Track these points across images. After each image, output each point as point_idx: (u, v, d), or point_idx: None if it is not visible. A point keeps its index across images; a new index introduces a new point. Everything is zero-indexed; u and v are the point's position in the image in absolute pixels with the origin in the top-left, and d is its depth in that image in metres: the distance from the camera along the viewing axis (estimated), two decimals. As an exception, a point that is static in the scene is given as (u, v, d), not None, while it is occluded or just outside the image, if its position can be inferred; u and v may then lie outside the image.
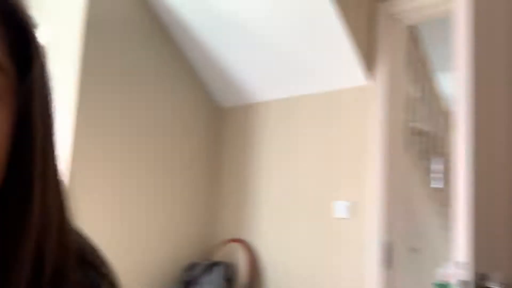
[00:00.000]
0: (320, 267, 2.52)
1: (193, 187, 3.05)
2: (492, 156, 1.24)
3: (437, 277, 1.77)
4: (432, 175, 3.58)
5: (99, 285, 0.48)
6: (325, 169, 2.59)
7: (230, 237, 2.98)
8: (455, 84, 1.36)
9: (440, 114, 3.81)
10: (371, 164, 2.41)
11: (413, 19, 2.64)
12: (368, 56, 2.47)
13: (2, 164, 0.38)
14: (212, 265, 2.83)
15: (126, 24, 2.69)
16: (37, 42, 0.42)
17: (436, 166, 3.63)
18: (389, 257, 2.34)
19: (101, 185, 2.57)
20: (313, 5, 2.30)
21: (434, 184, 3.55)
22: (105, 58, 2.59)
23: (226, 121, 3.19)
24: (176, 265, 2.89)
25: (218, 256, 2.96)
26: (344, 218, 2.46)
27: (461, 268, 1.16)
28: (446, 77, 3.70)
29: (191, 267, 2.86)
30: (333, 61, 2.49)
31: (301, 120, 2.76)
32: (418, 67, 3.51)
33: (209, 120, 3.15)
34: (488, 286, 1.11)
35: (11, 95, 0.39)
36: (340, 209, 2.48)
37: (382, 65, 2.46)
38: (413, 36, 3.35)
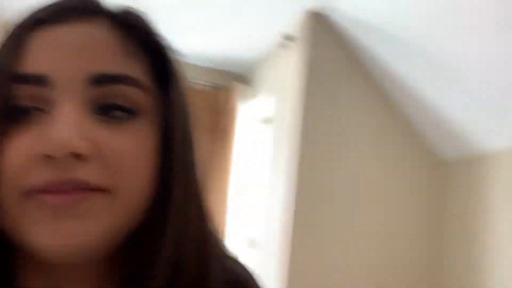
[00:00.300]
0: None
1: (413, 248, 2.83)
2: None
3: None
4: None
5: None
6: None
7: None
8: None
9: None
10: None
11: None
12: None
13: (152, 180, 0.40)
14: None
15: (340, 82, 2.76)
16: (172, 62, 0.45)
17: None
18: None
19: (322, 232, 2.59)
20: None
21: None
22: (323, 121, 2.68)
23: (449, 176, 2.93)
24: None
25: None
26: None
27: None
28: None
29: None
30: None
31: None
32: None
33: (430, 175, 2.93)
34: None
35: (154, 113, 0.42)
36: None
37: None
38: None
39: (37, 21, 0.41)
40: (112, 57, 0.40)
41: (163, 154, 0.41)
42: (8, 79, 0.38)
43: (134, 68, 0.41)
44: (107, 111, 0.39)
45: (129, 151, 0.38)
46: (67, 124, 0.36)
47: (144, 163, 0.40)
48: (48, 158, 0.36)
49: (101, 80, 0.39)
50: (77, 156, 0.36)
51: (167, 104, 0.43)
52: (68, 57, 0.39)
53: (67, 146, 0.35)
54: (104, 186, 0.37)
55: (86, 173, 0.36)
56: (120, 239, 0.40)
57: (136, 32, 0.43)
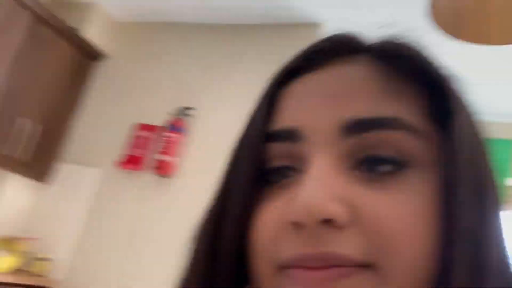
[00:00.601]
0: None
1: None
2: None
3: None
4: None
5: None
6: None
7: None
8: None
9: None
10: None
11: None
12: None
13: (431, 251, 0.30)
14: None
15: None
16: (456, 95, 0.34)
17: None
18: None
19: None
20: None
21: None
22: None
23: None
24: None
25: None
26: None
27: None
28: None
29: None
30: None
31: None
32: None
33: None
34: None
35: (432, 163, 0.32)
36: None
37: None
38: None
39: (290, 72, 0.38)
40: (371, 98, 0.33)
41: (445, 216, 0.31)
42: (260, 140, 0.35)
43: (402, 108, 0.33)
44: (369, 165, 0.32)
45: (399, 215, 0.30)
46: (316, 185, 0.30)
47: (420, 231, 0.30)
48: (298, 226, 0.30)
49: (358, 127, 0.32)
50: (331, 224, 0.30)
51: (449, 150, 0.32)
52: (318, 106, 0.34)
53: (316, 211, 0.29)
54: (367, 262, 0.29)
55: (343, 245, 0.29)
56: None
57: (405, 65, 0.35)
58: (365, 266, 0.29)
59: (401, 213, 0.30)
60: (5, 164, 2.70)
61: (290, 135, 0.34)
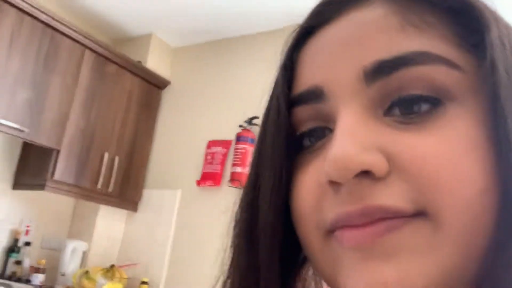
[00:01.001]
0: None
1: None
2: None
3: None
4: None
5: None
6: None
7: None
8: None
9: None
10: None
11: None
12: None
13: (489, 193, 0.27)
14: None
15: None
16: (486, 15, 0.30)
17: None
18: None
19: None
20: None
21: None
22: None
23: None
24: None
25: None
26: None
27: None
28: None
29: None
30: None
31: None
32: None
33: None
34: None
35: (472, 94, 0.29)
36: None
37: None
38: None
39: (304, 32, 0.36)
40: (392, 37, 0.30)
41: (496, 149, 0.27)
42: (285, 106, 0.34)
43: (428, 40, 0.30)
44: (402, 108, 0.29)
45: (442, 154, 0.27)
46: (345, 138, 0.28)
47: (468, 167, 0.27)
48: (335, 185, 0.29)
49: (381, 69, 0.29)
50: (370, 176, 0.28)
51: (486, 73, 0.29)
52: (335, 58, 0.32)
53: (349, 165, 0.27)
54: (416, 210, 0.27)
55: (387, 196, 0.27)
56: (459, 284, 0.28)
57: None
58: (415, 215, 0.27)
59: (444, 151, 0.27)
60: (98, 198, 2.88)
61: (313, 95, 0.32)
